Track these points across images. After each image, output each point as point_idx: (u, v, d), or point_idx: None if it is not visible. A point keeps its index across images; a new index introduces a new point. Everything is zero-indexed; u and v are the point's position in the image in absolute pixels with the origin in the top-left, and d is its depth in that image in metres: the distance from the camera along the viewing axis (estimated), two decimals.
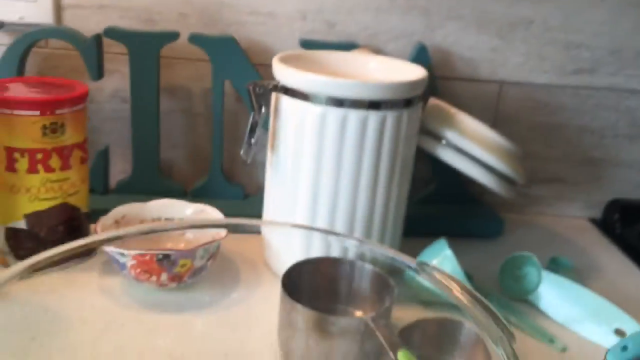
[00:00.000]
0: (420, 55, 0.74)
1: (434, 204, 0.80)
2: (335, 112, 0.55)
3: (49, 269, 0.59)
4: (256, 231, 0.65)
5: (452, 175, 0.79)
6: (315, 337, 0.48)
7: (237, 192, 0.76)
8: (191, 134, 0.79)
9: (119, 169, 0.79)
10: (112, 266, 0.58)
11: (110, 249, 0.54)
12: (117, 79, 0.76)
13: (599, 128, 0.83)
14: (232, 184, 0.77)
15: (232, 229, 0.56)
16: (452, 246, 0.59)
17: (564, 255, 0.72)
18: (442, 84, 0.78)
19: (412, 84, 0.56)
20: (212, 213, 0.63)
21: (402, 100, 0.56)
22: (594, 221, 0.86)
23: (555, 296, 0.61)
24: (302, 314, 0.49)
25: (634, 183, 0.86)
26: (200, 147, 0.80)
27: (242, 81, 0.70)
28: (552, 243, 0.78)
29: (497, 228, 0.78)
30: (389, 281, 0.52)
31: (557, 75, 0.80)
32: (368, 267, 0.55)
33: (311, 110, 0.55)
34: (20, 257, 0.59)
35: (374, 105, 0.55)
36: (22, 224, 0.58)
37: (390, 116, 0.56)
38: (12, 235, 0.59)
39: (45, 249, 0.61)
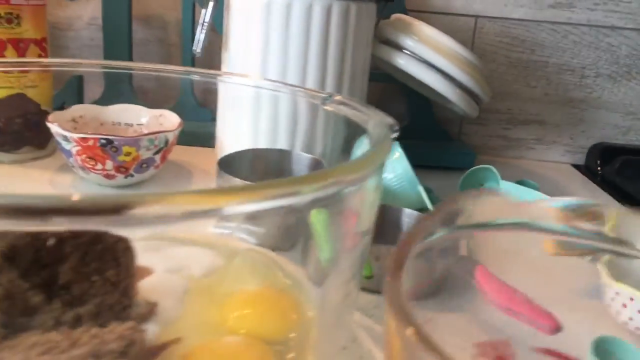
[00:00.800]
0: None
1: (407, 138, 0.79)
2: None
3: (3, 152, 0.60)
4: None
5: (427, 114, 0.78)
6: None
7: (206, 115, 0.77)
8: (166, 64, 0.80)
9: (96, 97, 0.80)
10: (68, 166, 0.58)
11: (55, 128, 0.55)
12: (94, 7, 0.78)
13: (579, 67, 0.81)
14: (201, 107, 0.77)
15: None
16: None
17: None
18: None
19: None
20: (170, 117, 0.63)
21: None
22: (577, 167, 0.84)
23: None
24: (229, 184, 0.48)
25: (618, 127, 0.83)
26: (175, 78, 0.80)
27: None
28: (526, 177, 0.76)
29: (469, 160, 0.76)
30: (323, 164, 0.52)
31: (534, 10, 0.79)
32: (306, 156, 0.54)
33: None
34: None
35: None
36: None
37: (336, 5, 0.55)
38: None
39: (2, 139, 0.62)
